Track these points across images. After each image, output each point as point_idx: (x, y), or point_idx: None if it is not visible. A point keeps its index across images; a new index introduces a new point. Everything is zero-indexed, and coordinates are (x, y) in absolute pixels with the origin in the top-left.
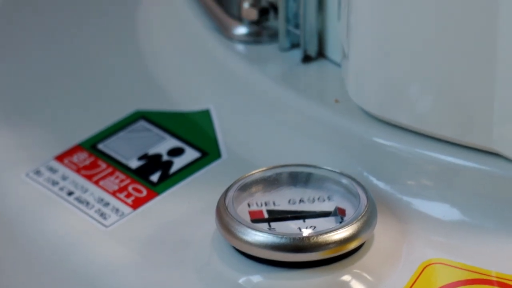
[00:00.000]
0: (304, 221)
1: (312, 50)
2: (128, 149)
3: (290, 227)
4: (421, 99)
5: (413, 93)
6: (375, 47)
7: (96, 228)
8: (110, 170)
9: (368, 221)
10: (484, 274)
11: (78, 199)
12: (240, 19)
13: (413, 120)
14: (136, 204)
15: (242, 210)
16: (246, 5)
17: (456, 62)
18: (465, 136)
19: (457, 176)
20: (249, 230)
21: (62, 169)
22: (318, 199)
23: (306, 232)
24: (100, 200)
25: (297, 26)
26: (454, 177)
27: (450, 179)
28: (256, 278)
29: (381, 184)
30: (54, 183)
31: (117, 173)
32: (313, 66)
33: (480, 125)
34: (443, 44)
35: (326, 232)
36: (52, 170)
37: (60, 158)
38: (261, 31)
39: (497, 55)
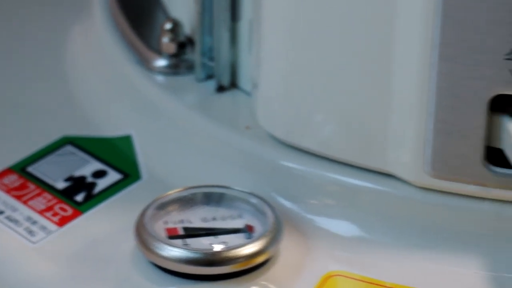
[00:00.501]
0: (216, 237)
1: (226, 81)
2: (55, 171)
3: (204, 243)
4: (323, 125)
5: (317, 120)
6: (281, 78)
7: (24, 245)
8: (38, 191)
9: (274, 237)
10: (380, 285)
11: (8, 218)
12: (160, 53)
13: (317, 145)
14: (62, 222)
15: (159, 228)
16: (165, 39)
17: (355, 92)
18: (364, 159)
19: (356, 196)
20: (166, 246)
21: None
22: (229, 217)
23: (218, 247)
24: (29, 219)
25: (211, 59)
26: (354, 196)
27: (350, 199)
28: None
29: (287, 204)
30: None
31: (45, 194)
32: (226, 96)
33: (377, 149)
34: (343, 76)
35: (236, 248)
36: None
37: None
38: (179, 64)
39: (391, 85)
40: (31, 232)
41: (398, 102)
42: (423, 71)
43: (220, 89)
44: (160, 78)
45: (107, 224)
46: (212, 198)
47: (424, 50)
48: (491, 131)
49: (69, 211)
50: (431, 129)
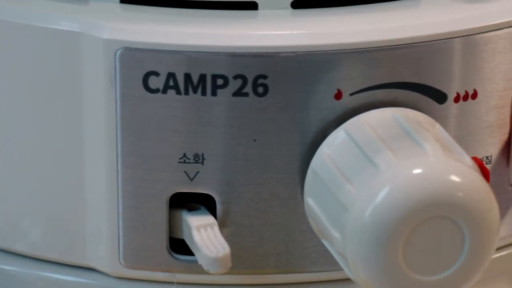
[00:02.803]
0: None
1: None
2: None
3: None
4: (30, 230)
5: (24, 226)
6: None
7: None
8: None
9: None
10: None
11: None
12: None
13: (27, 247)
14: None
15: None
16: None
17: (54, 200)
18: (68, 256)
19: None
20: None
21: None
22: None
23: None
24: None
25: None
26: None
27: None
28: None
29: None
30: None
31: None
32: None
33: (78, 247)
34: (42, 187)
35: None
36: None
37: None
38: None
39: (85, 192)
40: None
41: (92, 205)
42: (111, 177)
43: None
44: None
45: None
46: None
47: (111, 160)
48: (173, 224)
49: None
50: (121, 227)
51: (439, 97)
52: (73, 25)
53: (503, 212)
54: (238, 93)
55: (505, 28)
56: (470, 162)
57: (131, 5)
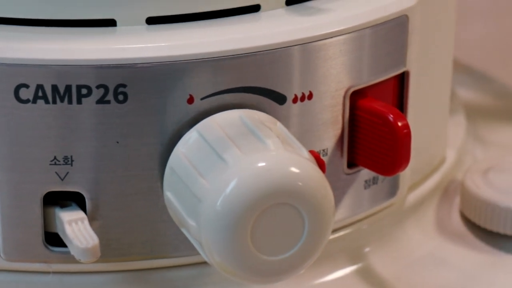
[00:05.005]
0: None
1: None
2: None
3: None
4: None
5: None
6: None
7: None
8: None
9: None
10: None
11: None
12: None
13: None
14: None
15: None
16: None
17: None
18: None
19: None
20: None
21: None
22: None
23: None
24: None
25: None
26: None
27: None
28: None
29: None
30: None
31: None
32: None
33: None
34: None
35: None
36: None
37: None
38: None
39: None
40: None
41: None
42: None
43: None
44: None
45: None
46: None
47: None
48: (47, 220)
49: None
50: (0, 224)
51: (280, 98)
52: None
53: (339, 198)
54: (101, 101)
55: (334, 37)
56: (307, 155)
57: (1, 25)
